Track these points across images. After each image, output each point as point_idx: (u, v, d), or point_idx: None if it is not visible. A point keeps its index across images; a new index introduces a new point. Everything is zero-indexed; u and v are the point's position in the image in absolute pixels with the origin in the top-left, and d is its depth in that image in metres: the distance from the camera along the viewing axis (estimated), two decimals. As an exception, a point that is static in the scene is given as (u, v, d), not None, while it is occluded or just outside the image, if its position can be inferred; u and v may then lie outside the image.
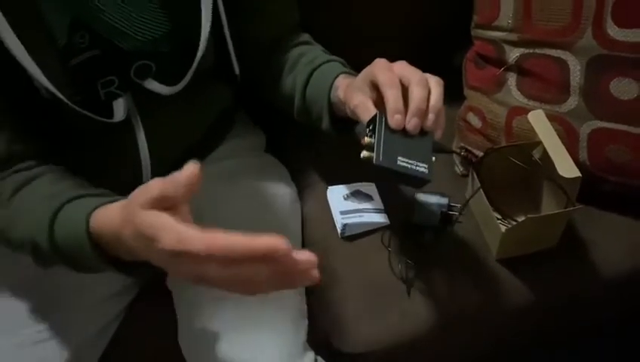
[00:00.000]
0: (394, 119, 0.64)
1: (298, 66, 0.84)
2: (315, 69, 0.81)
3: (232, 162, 0.92)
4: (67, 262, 0.64)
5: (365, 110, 0.67)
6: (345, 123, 0.78)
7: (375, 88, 0.67)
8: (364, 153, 0.64)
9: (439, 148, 0.75)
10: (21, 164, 0.69)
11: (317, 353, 0.81)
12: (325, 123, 0.79)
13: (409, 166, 0.64)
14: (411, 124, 0.64)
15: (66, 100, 0.67)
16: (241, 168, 0.92)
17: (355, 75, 0.75)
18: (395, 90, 0.65)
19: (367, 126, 0.66)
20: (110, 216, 0.57)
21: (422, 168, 0.65)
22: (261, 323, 0.78)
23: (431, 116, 0.65)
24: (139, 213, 0.49)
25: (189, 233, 0.46)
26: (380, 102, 0.67)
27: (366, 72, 0.70)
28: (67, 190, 0.66)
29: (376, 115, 0.65)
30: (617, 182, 0.89)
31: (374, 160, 0.63)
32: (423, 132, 0.66)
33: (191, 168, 0.49)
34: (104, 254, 0.59)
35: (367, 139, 0.65)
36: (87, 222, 0.58)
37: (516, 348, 0.99)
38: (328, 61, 0.82)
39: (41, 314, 0.79)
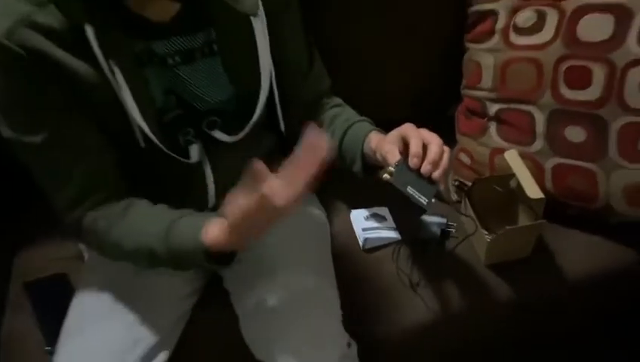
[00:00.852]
0: (413, 160, 0.85)
1: (336, 123, 1.05)
2: (350, 126, 1.03)
3: None
4: (175, 261, 0.86)
5: (393, 156, 0.89)
6: (371, 168, 1.01)
7: (403, 143, 0.90)
8: (386, 176, 0.87)
9: (439, 196, 0.97)
10: (125, 195, 0.91)
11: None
12: (357, 167, 1.01)
13: (414, 194, 0.87)
14: (426, 168, 0.86)
15: (160, 145, 0.88)
16: None
17: (383, 132, 0.98)
18: (419, 142, 0.87)
19: (393, 165, 0.87)
20: (216, 227, 0.81)
21: (422, 200, 0.87)
22: (306, 317, 0.95)
23: (440, 171, 0.87)
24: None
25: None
26: (405, 153, 0.88)
27: (398, 130, 0.92)
28: (169, 211, 0.90)
29: (400, 160, 0.87)
30: (576, 206, 1.14)
31: (392, 180, 0.86)
32: (431, 180, 0.86)
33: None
34: (210, 254, 0.82)
35: (390, 169, 0.87)
36: (200, 234, 0.82)
37: (501, 339, 1.21)
38: (360, 120, 1.05)
39: (135, 306, 0.97)
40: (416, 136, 0.88)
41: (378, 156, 0.93)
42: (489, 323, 1.14)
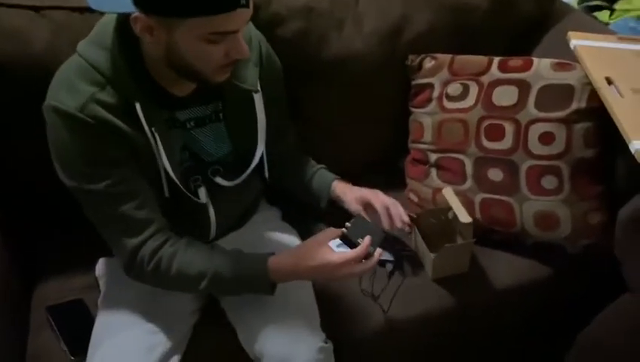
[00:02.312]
0: (386, 223, 1.19)
1: (306, 168, 1.32)
2: (315, 172, 1.31)
3: (265, 225, 1.36)
4: (238, 282, 1.06)
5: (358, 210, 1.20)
6: (332, 204, 1.29)
7: (365, 202, 1.21)
8: (344, 230, 1.08)
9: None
10: (171, 232, 1.08)
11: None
12: (323, 203, 1.29)
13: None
14: (399, 226, 1.20)
15: (184, 190, 1.10)
16: (272, 228, 1.36)
17: (341, 178, 1.28)
18: (385, 211, 1.21)
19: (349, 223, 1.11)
20: (285, 259, 1.08)
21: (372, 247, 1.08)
22: (291, 320, 1.13)
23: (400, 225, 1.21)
24: (316, 248, 1.07)
25: (343, 254, 1.05)
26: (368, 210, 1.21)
27: (365, 194, 1.23)
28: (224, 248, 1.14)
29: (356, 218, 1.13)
30: (499, 231, 1.43)
31: (348, 233, 1.08)
32: (378, 230, 1.13)
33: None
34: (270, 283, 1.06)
35: (347, 224, 1.09)
36: (266, 263, 1.05)
37: (446, 340, 1.45)
38: (322, 168, 1.33)
39: (151, 319, 1.13)
40: (382, 204, 1.23)
41: (344, 205, 1.23)
42: (436, 327, 1.39)
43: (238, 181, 1.18)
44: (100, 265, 1.32)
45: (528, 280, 1.42)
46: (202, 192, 1.17)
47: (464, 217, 1.32)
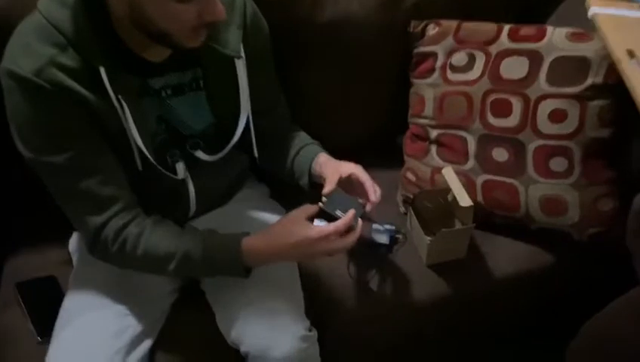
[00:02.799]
0: (367, 207, 1.07)
1: (292, 144, 1.21)
2: (302, 148, 1.19)
3: (250, 203, 1.29)
4: (208, 264, 1.00)
5: (331, 183, 1.08)
6: (314, 183, 1.17)
7: (343, 176, 1.09)
8: (320, 204, 1.02)
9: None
10: (139, 209, 1.02)
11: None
12: (304, 181, 1.18)
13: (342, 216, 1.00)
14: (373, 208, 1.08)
15: (155, 164, 1.02)
16: (257, 206, 1.29)
17: (327, 153, 1.17)
18: (370, 185, 1.08)
19: (326, 196, 1.04)
20: (259, 239, 1.02)
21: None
22: (272, 305, 1.09)
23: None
24: (291, 225, 1.00)
25: (321, 227, 0.98)
26: (345, 184, 1.08)
27: (347, 168, 1.10)
28: (195, 228, 1.08)
29: (332, 191, 1.04)
30: (501, 215, 1.35)
31: (324, 207, 1.02)
32: (358, 205, 1.04)
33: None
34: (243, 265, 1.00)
35: (323, 199, 1.03)
36: (239, 244, 0.99)
37: (440, 328, 1.39)
38: (311, 143, 1.21)
39: (123, 300, 1.09)
40: (368, 180, 1.10)
41: (321, 179, 1.12)
42: (429, 316, 1.32)
43: (220, 155, 1.11)
44: (74, 240, 1.26)
45: (530, 268, 1.35)
46: (180, 167, 1.10)
47: (464, 200, 1.23)
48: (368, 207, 1.07)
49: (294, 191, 1.26)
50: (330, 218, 1.01)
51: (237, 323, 1.09)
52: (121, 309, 1.08)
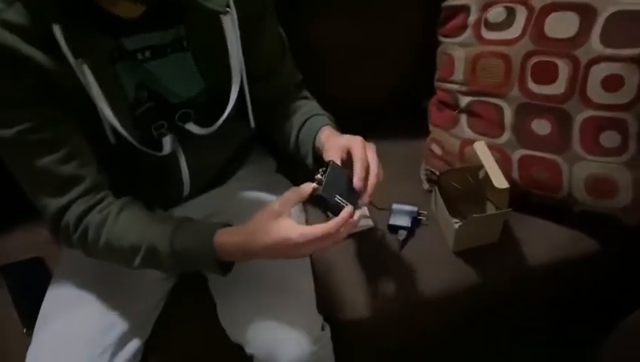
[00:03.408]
0: (357, 183, 0.85)
1: (296, 116, 1.06)
2: (307, 120, 1.04)
3: (253, 181, 1.17)
4: (178, 260, 0.87)
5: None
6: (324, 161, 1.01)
7: (346, 152, 0.90)
8: (316, 186, 0.84)
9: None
10: (107, 192, 0.90)
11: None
12: (309, 161, 1.03)
13: (340, 203, 0.83)
14: (369, 200, 0.89)
15: (131, 139, 0.88)
16: (261, 185, 1.16)
17: (335, 127, 1.00)
18: (363, 164, 0.87)
19: (320, 168, 0.87)
20: (234, 235, 0.86)
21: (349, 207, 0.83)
22: (283, 301, 0.99)
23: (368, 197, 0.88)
24: (270, 223, 0.82)
25: (306, 228, 0.80)
26: (346, 161, 0.90)
27: (347, 140, 0.91)
28: (172, 215, 0.94)
29: (328, 162, 0.85)
30: (540, 195, 1.19)
31: (320, 191, 0.82)
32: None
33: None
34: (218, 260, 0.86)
35: (318, 177, 0.85)
36: (213, 238, 0.85)
37: (467, 322, 1.27)
38: (317, 115, 1.05)
39: (110, 292, 0.99)
40: (362, 156, 0.89)
41: (324, 154, 0.95)
42: (457, 307, 1.19)
43: (214, 128, 0.97)
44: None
45: (570, 255, 1.20)
46: (167, 142, 0.96)
47: (500, 181, 1.07)
48: (365, 199, 0.88)
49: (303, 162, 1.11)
50: (327, 204, 0.85)
51: (240, 320, 0.99)
52: (107, 304, 0.99)
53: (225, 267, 0.90)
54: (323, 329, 1.02)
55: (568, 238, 1.20)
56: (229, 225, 0.90)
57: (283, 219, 0.83)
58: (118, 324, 0.98)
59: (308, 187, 0.84)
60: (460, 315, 1.23)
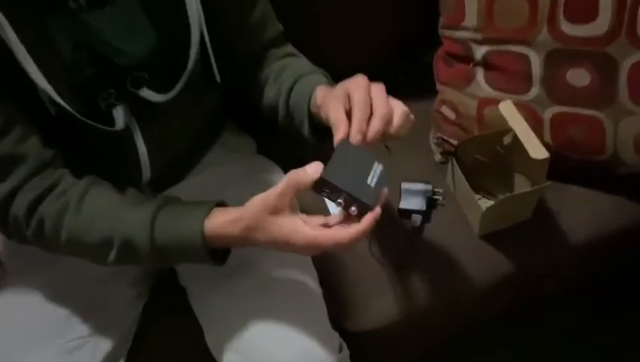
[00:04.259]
0: (355, 138, 0.68)
1: (282, 77, 0.87)
2: (297, 80, 0.85)
3: (229, 166, 0.97)
4: (160, 253, 0.72)
5: (339, 122, 0.69)
6: (325, 130, 0.79)
7: (349, 99, 0.71)
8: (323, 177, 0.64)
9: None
10: (62, 171, 0.75)
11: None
12: (306, 131, 0.83)
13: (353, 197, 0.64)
14: (357, 139, 0.68)
15: (71, 111, 0.72)
16: (241, 169, 0.97)
17: (332, 85, 0.79)
18: (364, 114, 0.69)
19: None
20: (229, 226, 0.70)
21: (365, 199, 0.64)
22: (285, 310, 0.81)
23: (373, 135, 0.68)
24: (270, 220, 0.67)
25: (312, 233, 0.65)
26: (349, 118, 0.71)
27: (346, 83, 0.74)
28: (148, 196, 0.76)
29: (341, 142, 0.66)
30: (578, 159, 1.00)
31: (327, 176, 0.63)
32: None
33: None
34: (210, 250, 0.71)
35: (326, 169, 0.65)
36: (202, 225, 0.70)
37: (505, 315, 1.10)
38: (310, 73, 0.86)
39: (71, 325, 0.83)
40: (363, 100, 0.69)
41: (324, 116, 0.74)
42: (487, 302, 1.01)
43: (174, 92, 0.80)
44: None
45: (616, 226, 1.02)
46: (118, 113, 0.78)
47: (537, 150, 0.88)
48: (356, 137, 0.68)
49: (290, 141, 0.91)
50: (332, 194, 0.65)
51: (233, 344, 0.81)
52: (65, 345, 0.82)
53: (218, 256, 0.74)
54: (341, 350, 0.84)
55: (613, 207, 1.03)
56: (222, 203, 0.74)
57: (283, 217, 0.68)
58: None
59: (310, 173, 0.65)
60: (488, 311, 1.05)
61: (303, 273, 0.88)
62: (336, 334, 0.85)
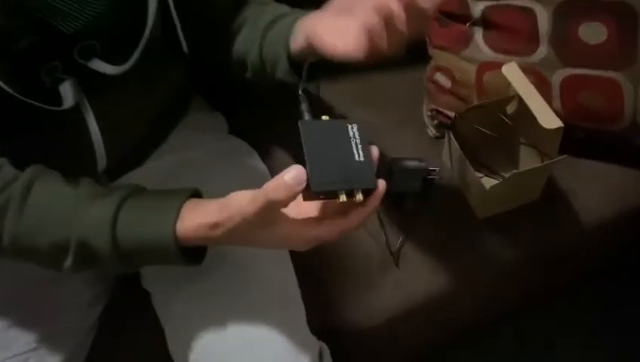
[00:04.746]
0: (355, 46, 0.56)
1: (257, 23, 0.77)
2: (275, 21, 0.75)
3: (196, 147, 0.87)
4: (126, 256, 0.62)
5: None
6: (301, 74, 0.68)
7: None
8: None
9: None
10: (1, 161, 0.64)
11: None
12: (281, 70, 0.72)
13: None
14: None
15: (7, 89, 0.61)
16: (209, 151, 0.87)
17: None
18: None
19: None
20: (203, 228, 0.60)
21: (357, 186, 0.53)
22: (259, 326, 0.72)
23: None
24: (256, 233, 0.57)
25: (311, 234, 0.57)
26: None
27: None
28: (108, 187, 0.66)
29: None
30: (591, 129, 0.89)
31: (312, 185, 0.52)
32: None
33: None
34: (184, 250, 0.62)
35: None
36: (174, 223, 0.60)
37: (510, 305, 0.99)
38: (291, 13, 0.75)
39: (8, 338, 0.74)
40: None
41: (315, 43, 0.61)
42: (494, 291, 0.91)
43: (130, 62, 0.69)
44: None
45: (635, 203, 0.92)
46: (66, 90, 0.67)
47: (548, 118, 0.77)
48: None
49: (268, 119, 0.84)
50: (333, 194, 0.54)
51: (197, 354, 0.72)
52: (19, 355, 0.73)
53: (191, 256, 0.64)
54: (322, 357, 0.74)
55: (630, 182, 0.92)
56: (196, 194, 0.65)
57: (280, 226, 0.58)
58: None
59: (292, 186, 0.53)
60: (495, 302, 0.95)
61: (279, 271, 0.78)
62: (315, 338, 0.75)
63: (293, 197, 0.54)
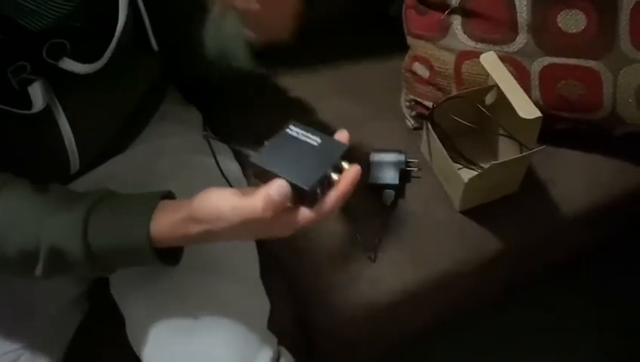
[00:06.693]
0: None
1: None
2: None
3: (173, 140, 0.84)
4: (100, 261, 0.62)
5: None
6: None
7: None
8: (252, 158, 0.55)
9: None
10: None
11: (283, 337, 0.73)
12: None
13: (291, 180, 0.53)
14: None
15: None
16: (185, 145, 0.84)
17: None
18: None
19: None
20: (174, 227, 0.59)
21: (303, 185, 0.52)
22: (209, 321, 0.70)
23: None
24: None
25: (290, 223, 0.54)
26: None
27: None
28: (72, 193, 0.64)
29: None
30: (571, 119, 0.87)
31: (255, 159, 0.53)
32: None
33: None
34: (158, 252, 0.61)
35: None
36: (148, 226, 0.59)
37: (492, 298, 0.98)
38: None
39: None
40: None
41: None
42: (475, 286, 0.89)
43: (102, 61, 0.68)
44: None
45: (615, 192, 0.91)
46: (35, 91, 0.65)
47: (526, 108, 0.75)
48: None
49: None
50: (312, 197, 0.53)
51: (148, 344, 0.71)
52: None
53: (167, 257, 0.64)
54: (279, 359, 0.71)
55: (611, 171, 0.91)
56: (168, 195, 0.64)
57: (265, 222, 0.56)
58: None
59: (286, 198, 0.53)
60: (481, 291, 0.93)
61: (243, 264, 0.76)
62: (274, 339, 0.73)
63: (284, 202, 0.53)
